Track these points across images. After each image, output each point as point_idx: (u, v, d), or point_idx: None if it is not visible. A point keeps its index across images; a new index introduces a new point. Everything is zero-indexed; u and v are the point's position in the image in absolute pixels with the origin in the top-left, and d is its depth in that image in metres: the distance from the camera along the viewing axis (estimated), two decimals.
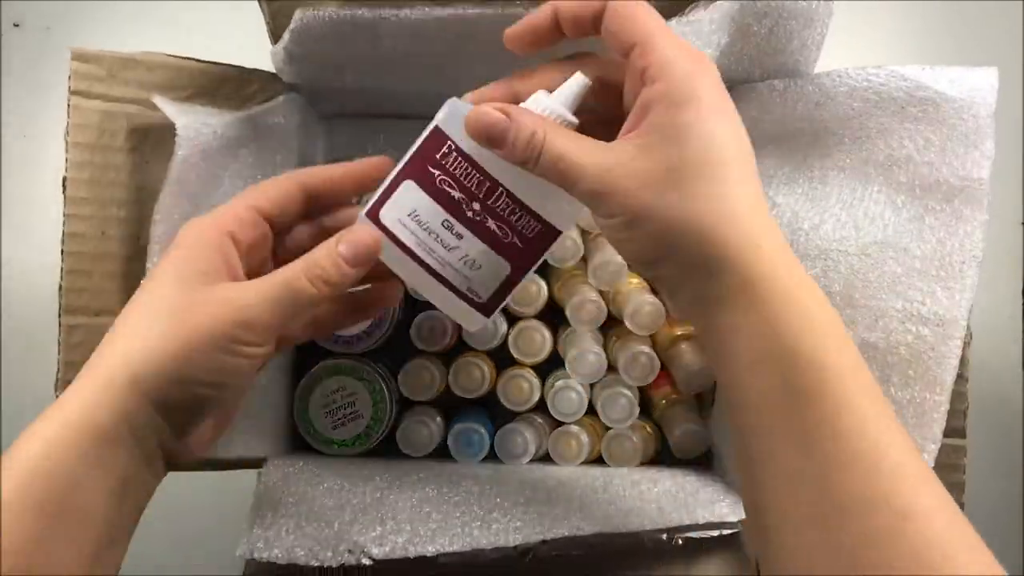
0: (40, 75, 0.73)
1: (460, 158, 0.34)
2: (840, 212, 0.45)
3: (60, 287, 0.45)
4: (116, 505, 0.30)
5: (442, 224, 0.34)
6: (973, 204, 0.43)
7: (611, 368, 0.53)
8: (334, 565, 0.41)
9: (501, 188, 0.34)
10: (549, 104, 0.33)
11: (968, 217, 0.43)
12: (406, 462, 0.52)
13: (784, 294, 0.29)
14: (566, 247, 0.52)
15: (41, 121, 0.72)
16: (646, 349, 0.52)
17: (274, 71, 0.49)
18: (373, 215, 0.35)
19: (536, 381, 0.53)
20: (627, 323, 0.52)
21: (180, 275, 0.32)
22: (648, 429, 0.54)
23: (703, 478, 0.50)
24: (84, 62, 0.45)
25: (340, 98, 0.53)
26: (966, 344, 0.44)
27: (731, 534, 0.45)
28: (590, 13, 0.32)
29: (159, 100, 0.44)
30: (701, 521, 0.44)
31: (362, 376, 0.52)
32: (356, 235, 0.33)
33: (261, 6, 0.45)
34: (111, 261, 0.46)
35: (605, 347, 0.54)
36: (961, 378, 0.44)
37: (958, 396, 0.44)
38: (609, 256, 0.51)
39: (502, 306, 0.36)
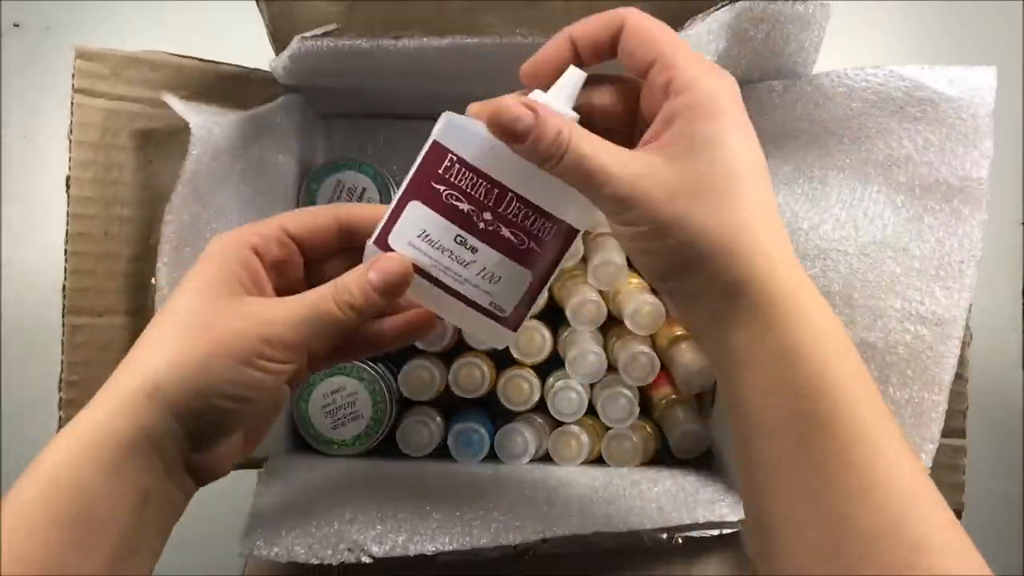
0: (40, 75, 0.73)
1: (464, 169, 0.32)
2: (840, 212, 0.45)
3: (64, 287, 0.45)
4: (135, 515, 0.30)
5: (455, 240, 0.33)
6: (972, 204, 0.43)
7: (611, 368, 0.53)
8: (334, 563, 0.41)
9: (511, 193, 0.33)
10: (548, 100, 0.32)
11: (967, 217, 0.43)
12: (406, 462, 0.53)
13: (801, 316, 0.29)
14: None
15: (41, 121, 0.72)
16: (646, 349, 0.52)
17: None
18: (382, 242, 0.33)
19: (536, 381, 0.53)
20: (627, 323, 0.52)
21: (204, 288, 0.32)
22: (648, 429, 0.54)
23: (703, 478, 0.50)
24: (88, 60, 0.45)
25: (340, 98, 0.53)
26: (966, 344, 0.44)
27: (731, 533, 0.45)
28: (608, 36, 0.32)
29: (170, 99, 0.44)
30: (701, 521, 0.44)
31: (362, 376, 0.52)
32: (386, 263, 0.33)
33: (260, 8, 0.45)
34: (115, 261, 0.46)
35: (605, 347, 0.54)
36: (960, 378, 0.44)
37: (958, 396, 0.44)
38: (609, 256, 0.51)
39: (528, 317, 0.35)
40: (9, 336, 0.69)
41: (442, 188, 0.33)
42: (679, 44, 0.31)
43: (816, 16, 0.43)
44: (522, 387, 0.53)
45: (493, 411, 0.56)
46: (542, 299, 0.53)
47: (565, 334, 0.54)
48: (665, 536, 0.45)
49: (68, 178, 0.45)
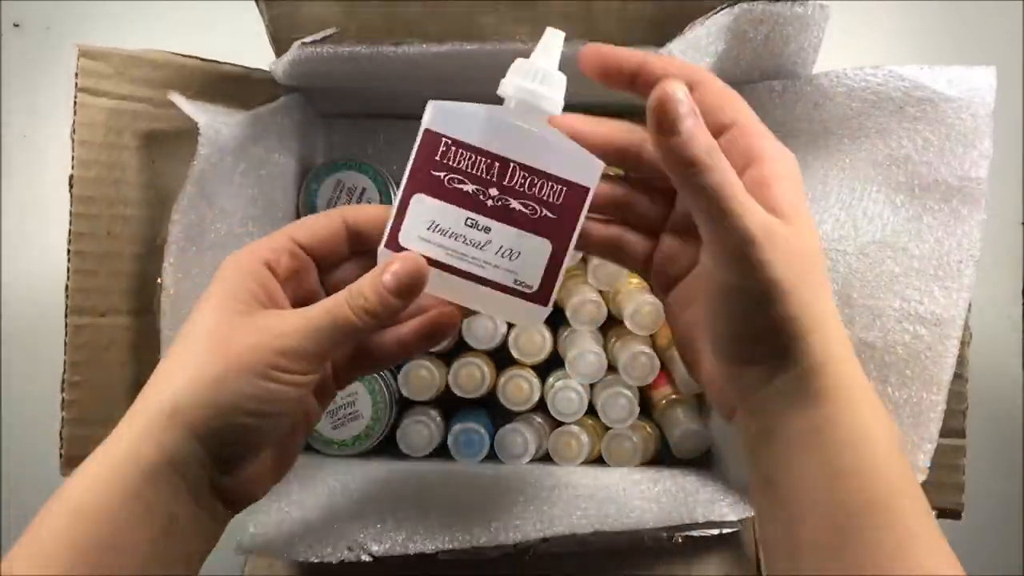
0: (40, 75, 0.73)
1: (460, 149, 0.32)
2: (839, 212, 0.45)
3: (66, 287, 0.45)
4: (159, 542, 0.30)
5: (466, 223, 0.32)
6: (971, 203, 0.43)
7: (611, 368, 0.53)
8: (333, 561, 0.41)
9: (512, 163, 0.32)
10: (538, 66, 0.32)
11: (966, 217, 0.43)
12: (406, 462, 0.53)
13: (869, 407, 0.30)
14: None
15: (41, 121, 0.72)
16: (646, 349, 0.52)
17: None
18: (393, 244, 0.33)
19: (536, 381, 0.53)
20: (627, 323, 0.52)
21: (220, 306, 0.32)
22: (648, 429, 0.54)
23: (703, 478, 0.50)
24: (92, 59, 0.45)
25: (340, 98, 0.54)
26: (965, 344, 0.44)
27: (731, 533, 0.45)
28: (686, 76, 0.32)
29: (177, 98, 0.44)
30: (701, 520, 0.44)
31: (362, 376, 0.52)
32: (398, 263, 0.32)
33: (260, 9, 0.45)
34: (117, 261, 0.46)
35: (605, 347, 0.54)
36: (960, 378, 0.44)
37: (957, 396, 0.44)
38: None
39: (557, 289, 0.34)
40: (8, 337, 0.69)
41: (443, 174, 0.32)
42: (754, 115, 0.32)
43: (815, 17, 0.43)
44: (522, 387, 0.53)
45: (493, 411, 0.56)
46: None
47: (565, 334, 0.54)
48: (665, 536, 0.45)
49: (71, 177, 0.45)
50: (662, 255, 0.35)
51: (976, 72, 0.44)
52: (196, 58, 0.47)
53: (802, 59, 0.45)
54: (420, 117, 0.32)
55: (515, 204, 0.32)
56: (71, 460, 0.45)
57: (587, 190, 0.33)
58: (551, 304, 0.33)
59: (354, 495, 0.46)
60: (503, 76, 0.33)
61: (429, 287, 0.33)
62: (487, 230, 0.32)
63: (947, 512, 0.45)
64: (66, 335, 0.45)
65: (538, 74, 0.32)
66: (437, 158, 0.32)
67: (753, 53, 0.45)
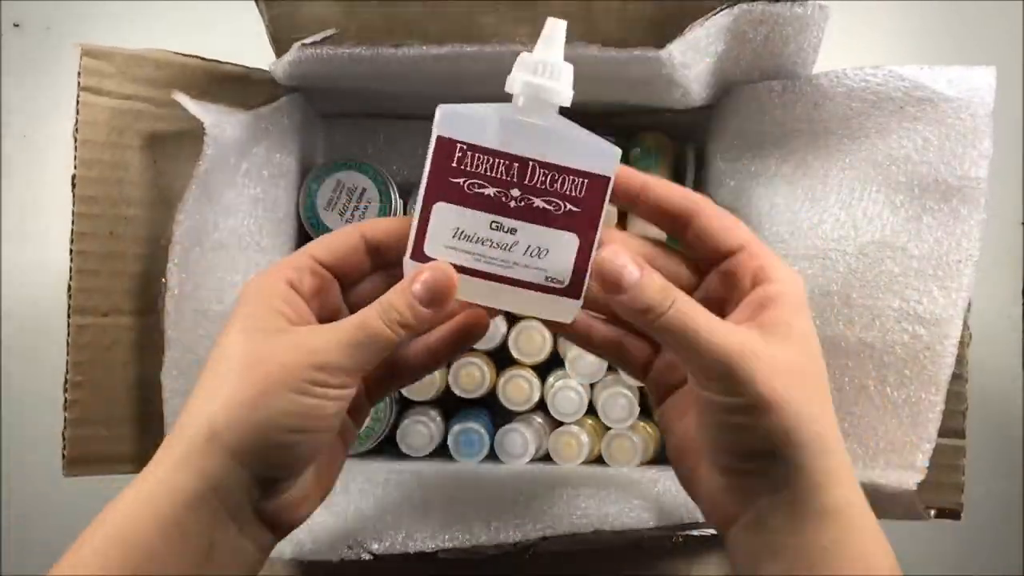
0: (40, 75, 0.73)
1: (476, 153, 0.32)
2: (839, 212, 0.45)
3: (69, 287, 0.45)
4: (196, 571, 0.29)
5: (491, 227, 0.32)
6: (971, 203, 0.43)
7: (611, 368, 0.53)
8: (333, 560, 0.41)
9: (531, 162, 0.32)
10: (543, 59, 0.32)
11: (965, 217, 0.43)
12: (406, 462, 0.53)
13: (870, 521, 0.31)
14: None
15: (41, 121, 0.72)
16: None
17: None
18: (418, 255, 0.32)
19: (536, 381, 0.54)
20: None
21: (250, 327, 0.31)
22: (648, 429, 0.54)
23: None
24: (94, 59, 0.45)
25: (340, 98, 0.54)
26: (965, 344, 0.44)
27: None
28: (685, 204, 0.33)
29: (182, 98, 0.44)
30: (701, 520, 0.44)
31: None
32: (427, 273, 0.32)
33: (260, 9, 0.45)
34: (120, 260, 0.46)
35: None
36: (960, 378, 0.44)
37: (957, 396, 0.44)
38: None
39: (587, 281, 0.34)
40: (8, 337, 0.69)
41: (461, 180, 0.32)
42: (757, 238, 0.33)
43: (815, 17, 0.43)
44: (522, 387, 0.53)
45: (493, 411, 0.56)
46: None
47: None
48: (665, 536, 0.45)
49: (74, 177, 0.45)
50: (663, 362, 0.36)
51: (976, 72, 0.44)
52: (198, 57, 0.47)
53: (802, 59, 0.45)
54: (421, 117, 0.32)
55: (538, 202, 0.32)
56: (73, 460, 0.45)
57: (607, 179, 0.32)
58: (583, 297, 0.33)
59: (354, 495, 0.46)
60: (504, 77, 0.33)
61: (459, 293, 0.32)
62: (513, 231, 0.32)
63: (946, 512, 0.45)
64: (68, 335, 0.45)
65: (544, 67, 0.32)
66: (454, 164, 0.32)
67: (753, 53, 0.45)
